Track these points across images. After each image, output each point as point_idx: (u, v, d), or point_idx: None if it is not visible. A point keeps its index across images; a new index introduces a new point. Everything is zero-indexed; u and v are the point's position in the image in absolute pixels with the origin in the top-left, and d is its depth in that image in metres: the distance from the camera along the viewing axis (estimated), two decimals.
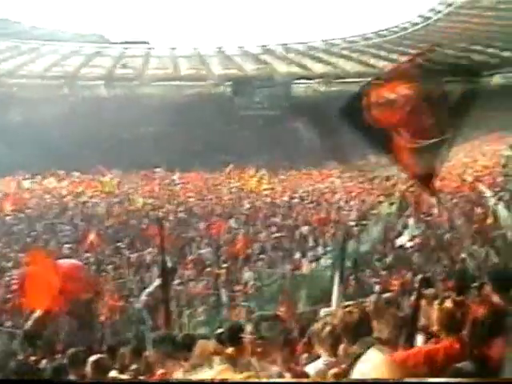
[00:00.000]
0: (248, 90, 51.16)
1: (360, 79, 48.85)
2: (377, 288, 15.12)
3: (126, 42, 49.07)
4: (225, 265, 19.44)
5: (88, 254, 20.14)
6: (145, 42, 49.93)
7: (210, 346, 4.73)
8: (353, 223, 22.68)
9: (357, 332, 4.16)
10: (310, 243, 21.72)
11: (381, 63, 48.65)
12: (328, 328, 4.66)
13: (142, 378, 5.52)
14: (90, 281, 11.98)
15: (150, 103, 47.84)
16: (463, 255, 17.28)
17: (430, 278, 8.87)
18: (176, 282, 17.47)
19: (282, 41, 48.85)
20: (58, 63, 47.87)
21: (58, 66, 48.33)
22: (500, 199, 20.36)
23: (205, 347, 4.63)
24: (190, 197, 30.06)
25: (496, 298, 4.80)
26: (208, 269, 19.18)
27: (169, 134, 44.90)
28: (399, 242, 19.81)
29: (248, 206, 27.63)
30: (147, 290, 15.30)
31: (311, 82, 53.36)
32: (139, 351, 6.20)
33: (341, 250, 10.68)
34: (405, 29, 46.29)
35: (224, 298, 17.37)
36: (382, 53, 48.58)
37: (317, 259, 19.39)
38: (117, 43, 48.96)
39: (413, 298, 6.76)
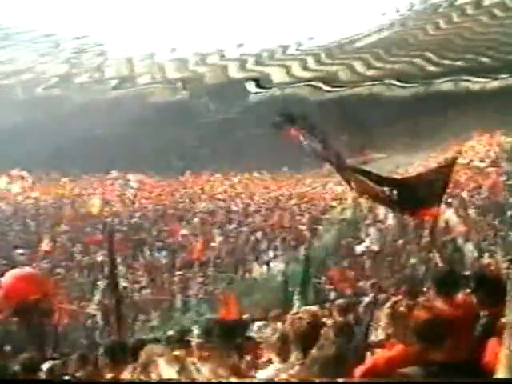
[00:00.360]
0: (204, 94, 51.00)
1: (316, 84, 48.95)
2: (332, 294, 15.16)
3: (78, 38, 48.16)
4: (179, 272, 19.54)
5: (44, 261, 20.10)
6: (99, 44, 48.90)
7: (157, 349, 4.59)
8: (306, 228, 22.88)
9: (306, 338, 4.07)
10: (264, 248, 21.86)
11: (334, 68, 48.64)
12: (278, 334, 4.55)
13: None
14: (40, 283, 11.86)
15: (106, 106, 47.25)
16: (413, 260, 17.46)
17: (381, 283, 8.92)
18: (132, 287, 17.56)
19: (239, 45, 48.45)
20: (9, 63, 47.04)
21: (11, 65, 47.51)
22: (450, 205, 20.25)
23: (151, 351, 4.48)
24: (145, 202, 29.69)
25: (439, 303, 4.77)
26: (165, 274, 19.29)
27: (123, 138, 44.41)
28: (360, 249, 20.04)
29: (203, 210, 27.37)
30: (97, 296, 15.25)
31: (269, 86, 52.75)
32: (89, 357, 5.99)
33: (304, 256, 10.67)
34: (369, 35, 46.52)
35: (179, 303, 17.45)
36: (339, 60, 48.56)
37: (271, 264, 19.60)
38: (69, 42, 48.05)
39: (365, 304, 6.79)
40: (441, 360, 3.99)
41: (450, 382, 3.51)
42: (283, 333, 4.57)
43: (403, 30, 46.14)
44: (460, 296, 5.15)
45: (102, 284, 15.13)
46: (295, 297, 9.20)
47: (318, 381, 3.18)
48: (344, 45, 47.39)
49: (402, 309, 4.59)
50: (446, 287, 5.09)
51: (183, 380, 3.82)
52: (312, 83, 50.97)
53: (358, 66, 48.62)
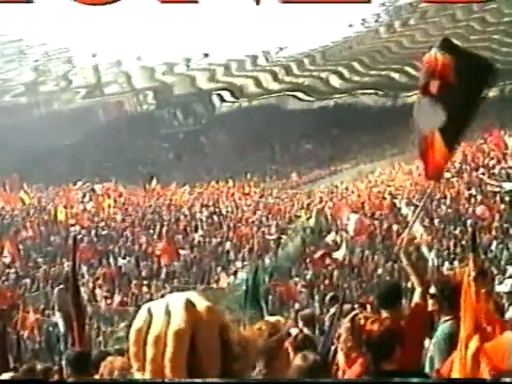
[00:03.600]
0: (169, 103, 50.99)
1: (280, 94, 49.18)
2: (296, 305, 15.22)
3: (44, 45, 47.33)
4: (146, 281, 19.52)
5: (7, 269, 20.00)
6: (66, 50, 47.95)
7: (118, 361, 4.53)
8: (271, 238, 22.98)
9: (268, 349, 4.07)
10: (231, 258, 21.93)
11: (300, 80, 48.96)
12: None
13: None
14: (4, 293, 11.72)
15: (70, 115, 46.91)
16: (379, 271, 17.65)
17: (338, 296, 8.97)
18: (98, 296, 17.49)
19: (205, 54, 48.27)
20: None
21: None
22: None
23: (112, 364, 4.44)
24: (114, 212, 29.42)
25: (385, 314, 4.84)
26: (133, 282, 19.27)
27: (88, 147, 44.15)
28: (336, 255, 20.28)
29: (171, 220, 27.23)
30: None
31: (233, 96, 52.68)
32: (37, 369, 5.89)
33: (256, 267, 10.70)
34: (326, 46, 46.99)
35: None
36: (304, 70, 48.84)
37: (235, 274, 19.68)
38: (37, 47, 47.17)
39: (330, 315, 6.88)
40: (391, 369, 4.08)
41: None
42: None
43: (374, 42, 46.68)
44: (412, 305, 5.23)
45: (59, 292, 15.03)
46: (248, 308, 9.22)
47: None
48: (315, 56, 47.71)
49: (361, 322, 4.63)
50: (388, 300, 5.19)
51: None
52: (281, 94, 51.16)
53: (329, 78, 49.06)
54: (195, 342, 2.32)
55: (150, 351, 2.29)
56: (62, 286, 14.01)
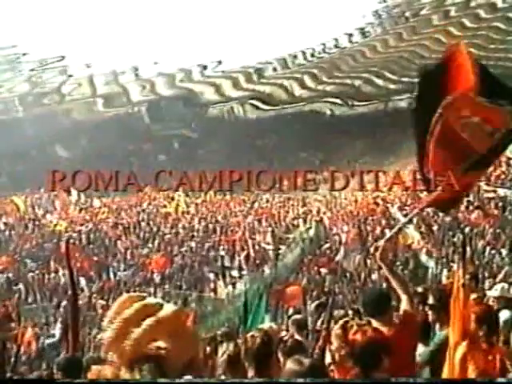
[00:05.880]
0: (163, 111, 51.01)
1: (277, 107, 49.12)
2: (291, 311, 15.25)
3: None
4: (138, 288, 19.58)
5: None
6: (61, 57, 47.83)
7: (107, 370, 4.50)
8: (269, 247, 22.99)
9: (259, 356, 4.10)
10: (226, 266, 21.92)
11: (298, 90, 48.88)
12: (227, 353, 4.53)
13: None
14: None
15: (64, 123, 46.78)
16: (374, 277, 17.62)
17: (325, 302, 8.95)
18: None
19: (199, 62, 48.52)
20: None
21: None
22: (411, 221, 20.48)
23: (100, 373, 4.41)
24: (107, 219, 29.44)
25: (376, 324, 4.82)
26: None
27: (83, 154, 44.09)
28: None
29: (166, 230, 27.13)
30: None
31: (227, 104, 52.75)
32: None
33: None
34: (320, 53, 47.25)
35: None
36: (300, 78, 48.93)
37: (233, 283, 19.66)
38: (30, 55, 47.18)
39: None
40: (382, 378, 4.08)
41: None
42: (231, 353, 4.55)
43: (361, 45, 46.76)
44: (400, 314, 5.14)
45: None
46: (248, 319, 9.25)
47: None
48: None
49: (354, 328, 4.62)
50: (376, 309, 5.07)
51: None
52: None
53: (308, 82, 49.09)
54: (167, 346, 2.50)
55: (127, 313, 2.49)
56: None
